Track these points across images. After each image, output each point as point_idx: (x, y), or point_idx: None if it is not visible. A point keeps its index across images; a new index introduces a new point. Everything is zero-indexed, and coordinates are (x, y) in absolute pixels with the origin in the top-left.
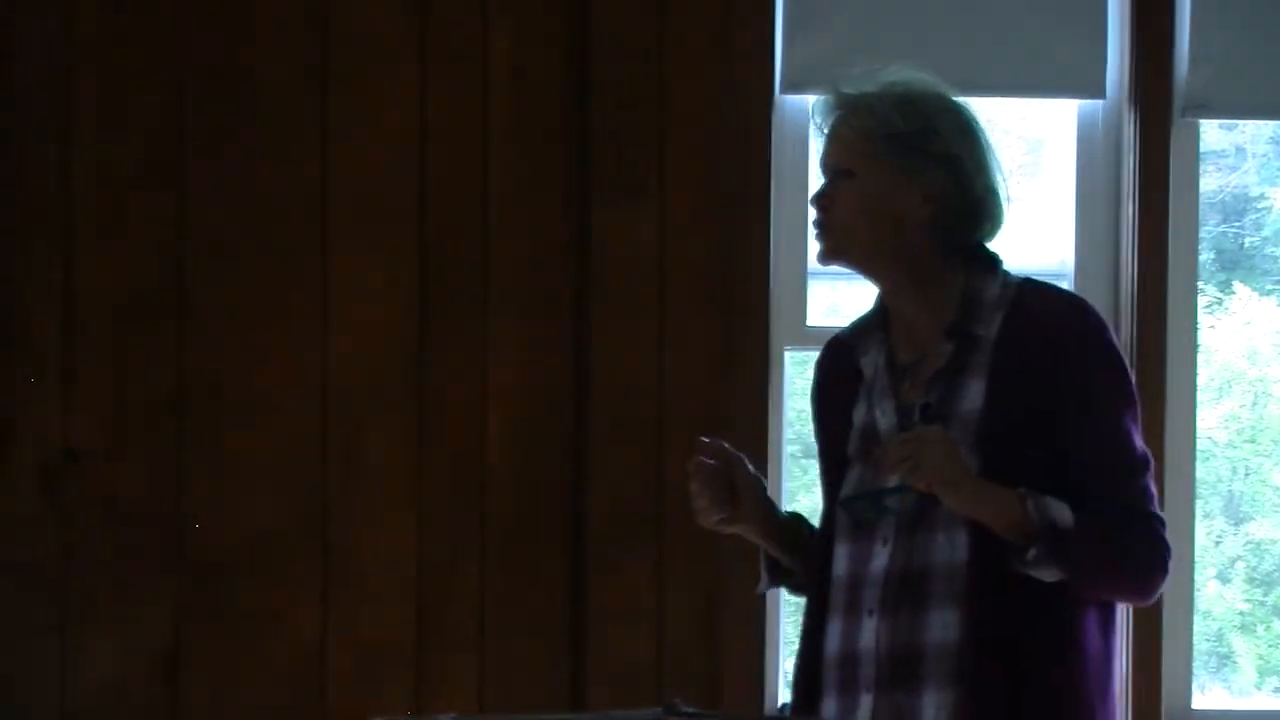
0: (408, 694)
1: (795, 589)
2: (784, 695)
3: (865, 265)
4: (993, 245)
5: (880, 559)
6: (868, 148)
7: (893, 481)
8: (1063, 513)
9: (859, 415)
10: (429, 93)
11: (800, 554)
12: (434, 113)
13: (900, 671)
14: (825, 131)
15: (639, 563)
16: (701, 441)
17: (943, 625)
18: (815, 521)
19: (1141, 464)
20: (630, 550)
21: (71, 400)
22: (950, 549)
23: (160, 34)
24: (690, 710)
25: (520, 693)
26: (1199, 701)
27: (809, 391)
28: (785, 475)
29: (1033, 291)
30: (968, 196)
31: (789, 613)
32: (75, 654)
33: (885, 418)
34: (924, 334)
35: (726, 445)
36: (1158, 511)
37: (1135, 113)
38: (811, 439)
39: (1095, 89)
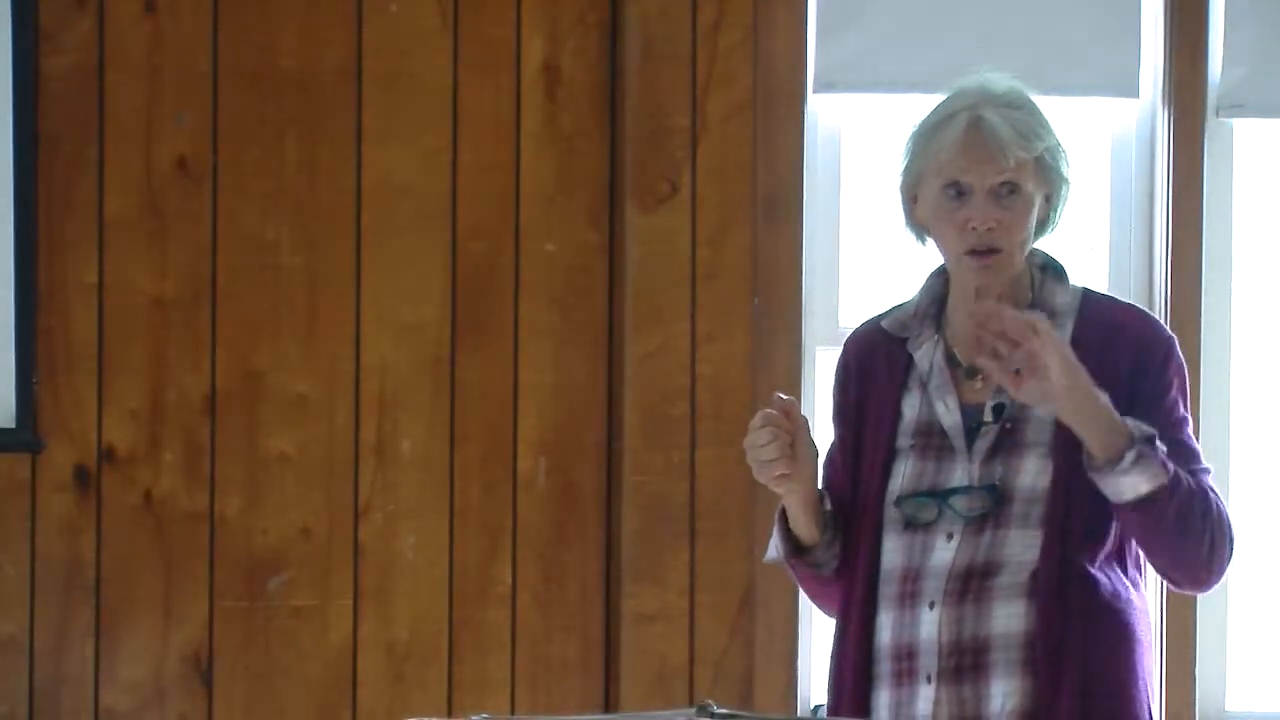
0: (440, 694)
1: (811, 565)
2: (817, 696)
3: (1009, 278)
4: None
5: (945, 553)
6: (1024, 167)
7: (957, 481)
8: (1160, 446)
9: (911, 407)
10: (461, 93)
11: (819, 530)
12: (466, 113)
13: (965, 661)
14: (972, 148)
15: (672, 563)
16: (778, 397)
17: (1008, 615)
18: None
19: (1207, 470)
20: (663, 551)
21: (107, 400)
22: (1023, 548)
23: (193, 33)
24: (723, 711)
25: (553, 693)
26: (1233, 704)
27: (837, 371)
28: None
29: (1097, 299)
30: (1060, 205)
31: (823, 615)
32: (110, 654)
33: (949, 414)
34: None
35: (798, 405)
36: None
37: (1169, 112)
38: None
39: (1129, 88)
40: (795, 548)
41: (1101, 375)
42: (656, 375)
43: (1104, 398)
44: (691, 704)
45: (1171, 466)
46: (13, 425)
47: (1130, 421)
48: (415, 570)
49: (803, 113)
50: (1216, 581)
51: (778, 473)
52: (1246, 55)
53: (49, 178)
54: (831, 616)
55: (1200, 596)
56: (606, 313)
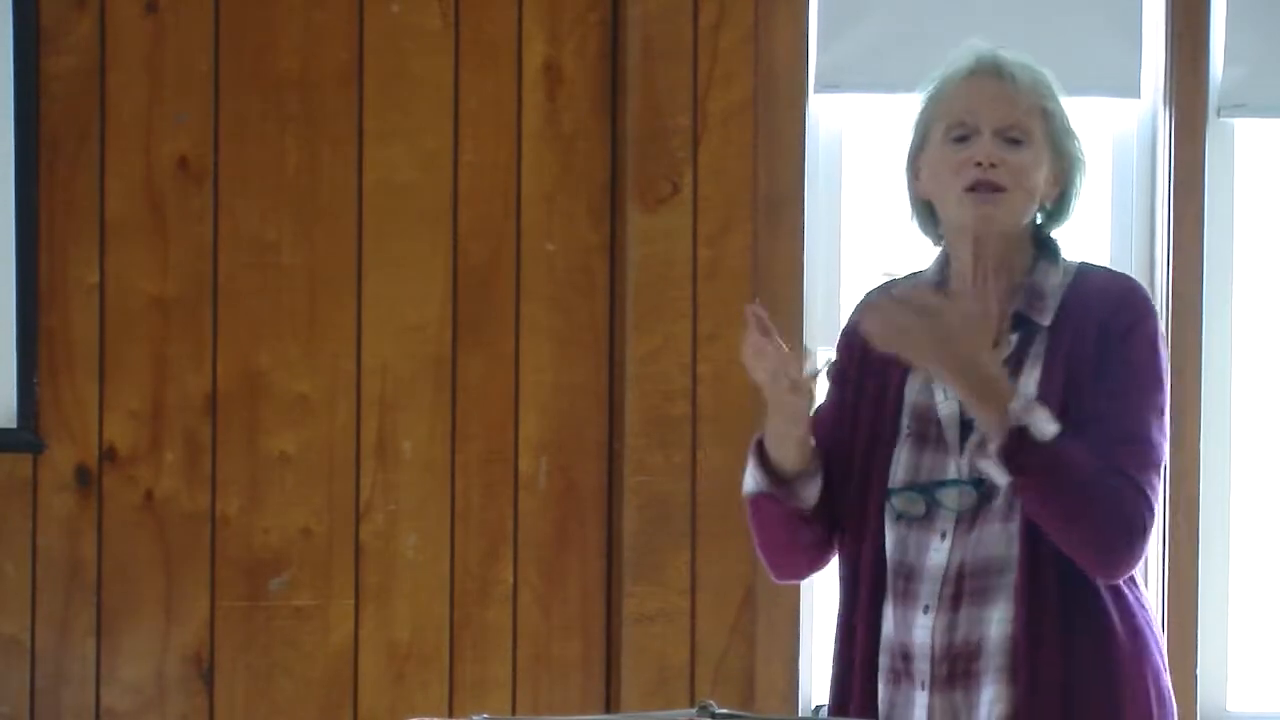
0: (440, 694)
1: (793, 498)
2: (818, 696)
3: (1005, 237)
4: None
5: (939, 553)
6: (1034, 119)
7: (950, 474)
8: (1046, 427)
9: (912, 390)
10: (461, 93)
11: (805, 472)
12: (466, 113)
13: (958, 669)
14: (980, 88)
15: (672, 563)
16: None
17: (1000, 620)
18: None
19: (1149, 447)
20: (663, 551)
21: (108, 400)
22: (1006, 544)
23: (194, 33)
24: (724, 711)
25: (553, 693)
26: (1235, 704)
27: (846, 331)
28: None
29: (1088, 275)
30: (1073, 190)
31: (824, 614)
32: (111, 654)
33: (946, 404)
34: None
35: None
36: (1148, 491)
37: (1170, 112)
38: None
39: (1130, 89)
40: (777, 484)
41: (1075, 337)
42: (657, 375)
43: (989, 370)
44: (692, 704)
45: (1035, 464)
46: (14, 425)
47: (1017, 407)
48: (416, 570)
49: (804, 113)
50: (1116, 572)
51: (789, 379)
52: (1247, 55)
53: (49, 178)
54: (788, 569)
55: (1201, 596)
56: (607, 313)
